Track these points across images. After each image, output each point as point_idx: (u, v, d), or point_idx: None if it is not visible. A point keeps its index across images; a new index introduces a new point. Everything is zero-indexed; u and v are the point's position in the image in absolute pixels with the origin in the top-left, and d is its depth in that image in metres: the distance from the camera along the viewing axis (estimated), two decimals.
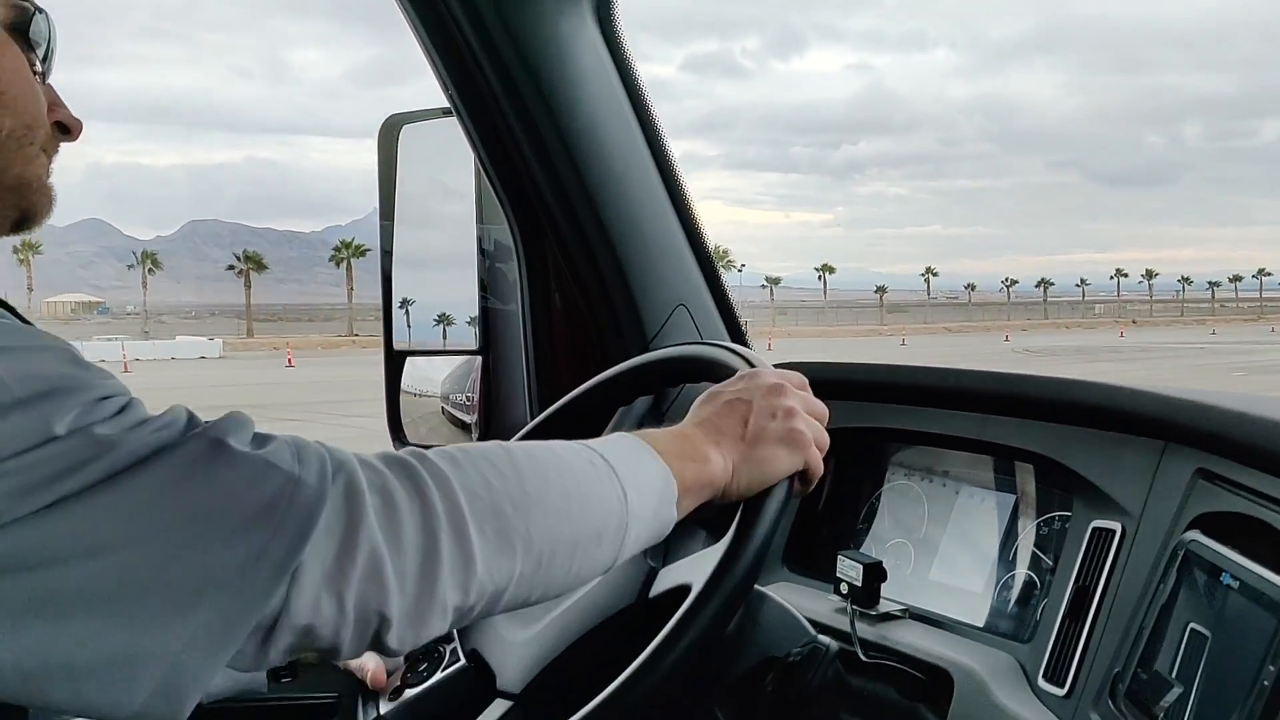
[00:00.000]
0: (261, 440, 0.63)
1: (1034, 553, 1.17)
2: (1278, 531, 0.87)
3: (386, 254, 1.69)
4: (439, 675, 1.11)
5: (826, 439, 0.91)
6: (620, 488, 0.77)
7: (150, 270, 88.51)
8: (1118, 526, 1.04)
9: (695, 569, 0.93)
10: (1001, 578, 1.20)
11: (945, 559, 1.26)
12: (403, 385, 1.71)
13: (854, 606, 1.17)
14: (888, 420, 1.35)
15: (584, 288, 1.53)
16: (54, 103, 0.77)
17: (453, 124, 1.51)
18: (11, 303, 0.71)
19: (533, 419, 1.22)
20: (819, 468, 0.91)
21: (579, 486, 0.75)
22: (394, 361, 1.71)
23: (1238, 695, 0.81)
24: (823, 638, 1.01)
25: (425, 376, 1.75)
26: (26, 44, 0.73)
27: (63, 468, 0.55)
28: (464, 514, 0.67)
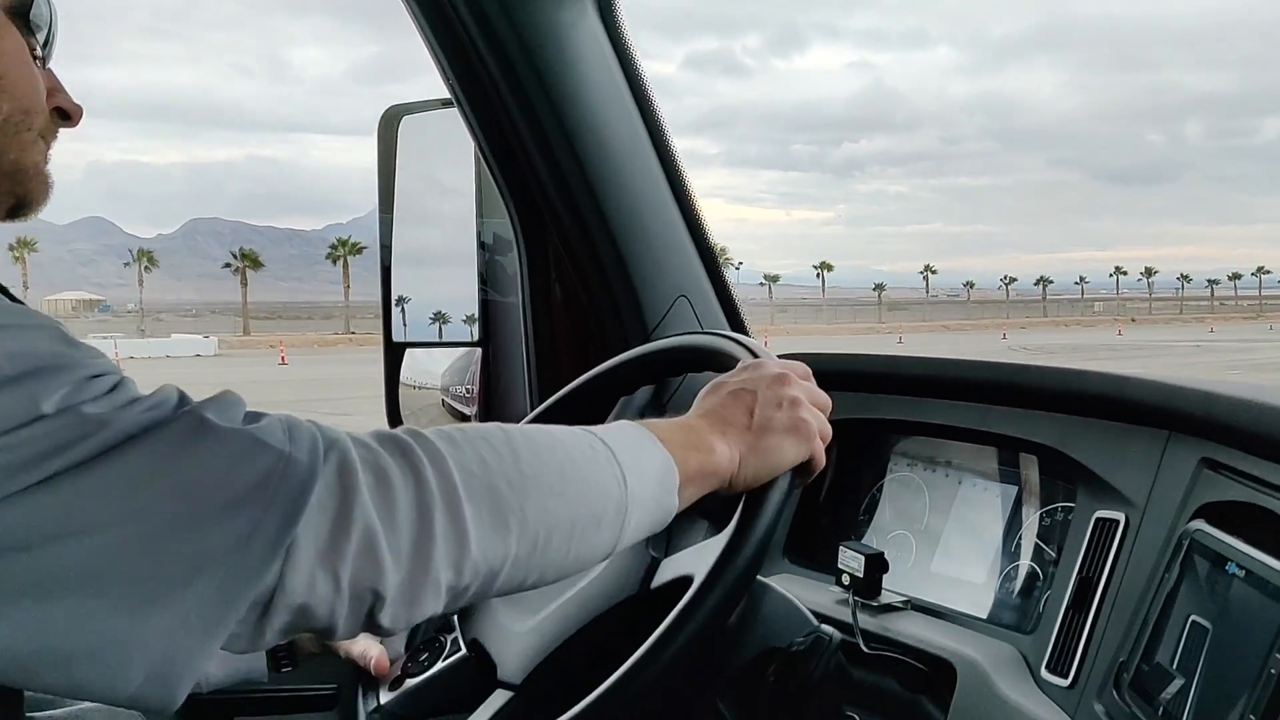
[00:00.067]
0: (253, 418, 0.62)
1: (1037, 544, 1.17)
2: None
3: (386, 246, 1.69)
4: (440, 665, 1.10)
5: (829, 430, 0.91)
6: (620, 472, 0.76)
7: (146, 268, 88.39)
8: (1121, 517, 1.03)
9: (697, 560, 0.92)
10: (1004, 569, 1.19)
11: (947, 550, 1.26)
12: (402, 377, 1.71)
13: (855, 598, 1.17)
14: (890, 411, 1.34)
15: (584, 279, 1.52)
16: (54, 88, 0.76)
17: (453, 115, 1.51)
18: None
19: (533, 410, 1.22)
20: (822, 459, 0.90)
21: (577, 468, 0.74)
22: (393, 353, 1.70)
23: (1243, 685, 0.80)
24: (825, 627, 1.01)
25: (424, 369, 1.75)
26: (27, 28, 0.73)
27: (51, 446, 0.55)
28: (458, 492, 0.66)
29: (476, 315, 1.66)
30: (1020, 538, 1.19)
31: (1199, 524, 0.94)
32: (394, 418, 1.71)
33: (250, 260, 77.26)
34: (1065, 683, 1.01)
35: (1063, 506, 1.15)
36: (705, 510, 1.01)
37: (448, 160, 1.65)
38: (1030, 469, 1.21)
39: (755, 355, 1.00)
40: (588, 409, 1.16)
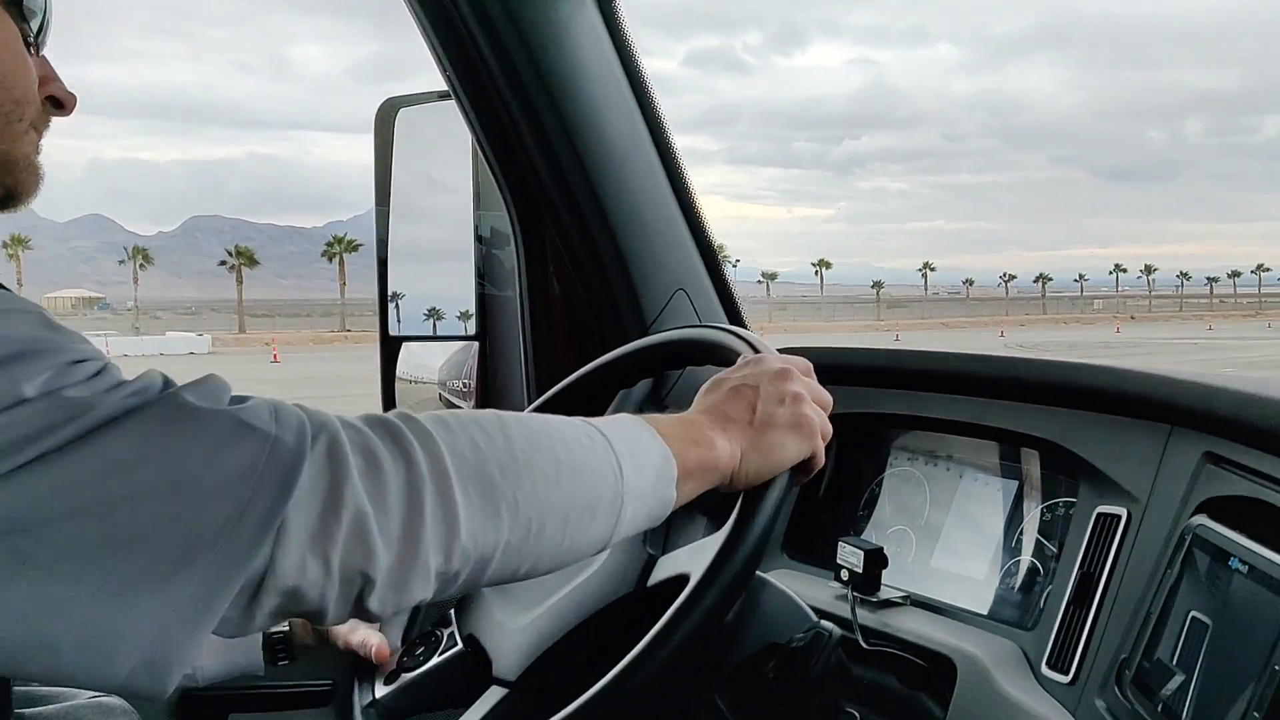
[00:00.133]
0: (238, 401, 0.62)
1: (1038, 539, 1.16)
2: None
3: (382, 239, 1.68)
4: (435, 659, 1.10)
5: (830, 429, 0.90)
6: (616, 461, 0.75)
7: (142, 265, 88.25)
8: (1123, 512, 1.03)
9: (694, 558, 0.92)
10: (1005, 564, 1.18)
11: (947, 545, 1.25)
12: (399, 372, 1.70)
13: (855, 593, 1.17)
14: (890, 405, 1.34)
15: (582, 272, 1.51)
16: (47, 76, 0.74)
17: (451, 107, 1.50)
18: None
19: (531, 404, 1.21)
20: (822, 457, 0.90)
21: (572, 456, 0.73)
22: (389, 347, 1.70)
23: (1244, 681, 0.80)
24: (825, 623, 1.00)
25: (421, 363, 1.74)
26: (20, 14, 0.71)
27: (34, 430, 0.54)
28: (449, 475, 0.66)
29: (471, 310, 1.66)
30: (1021, 533, 1.19)
31: (1201, 519, 0.93)
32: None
33: (245, 258, 77.17)
34: (1066, 679, 1.00)
35: (1064, 501, 1.15)
36: (704, 507, 1.00)
37: (445, 153, 1.64)
38: (1031, 464, 1.20)
39: (755, 349, 0.99)
40: (586, 402, 1.15)
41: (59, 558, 0.54)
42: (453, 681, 1.08)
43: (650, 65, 1.53)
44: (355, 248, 76.50)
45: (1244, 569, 0.85)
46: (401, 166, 1.66)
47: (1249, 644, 0.81)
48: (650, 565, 1.01)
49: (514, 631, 1.03)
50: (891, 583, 1.19)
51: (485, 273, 1.65)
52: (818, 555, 1.33)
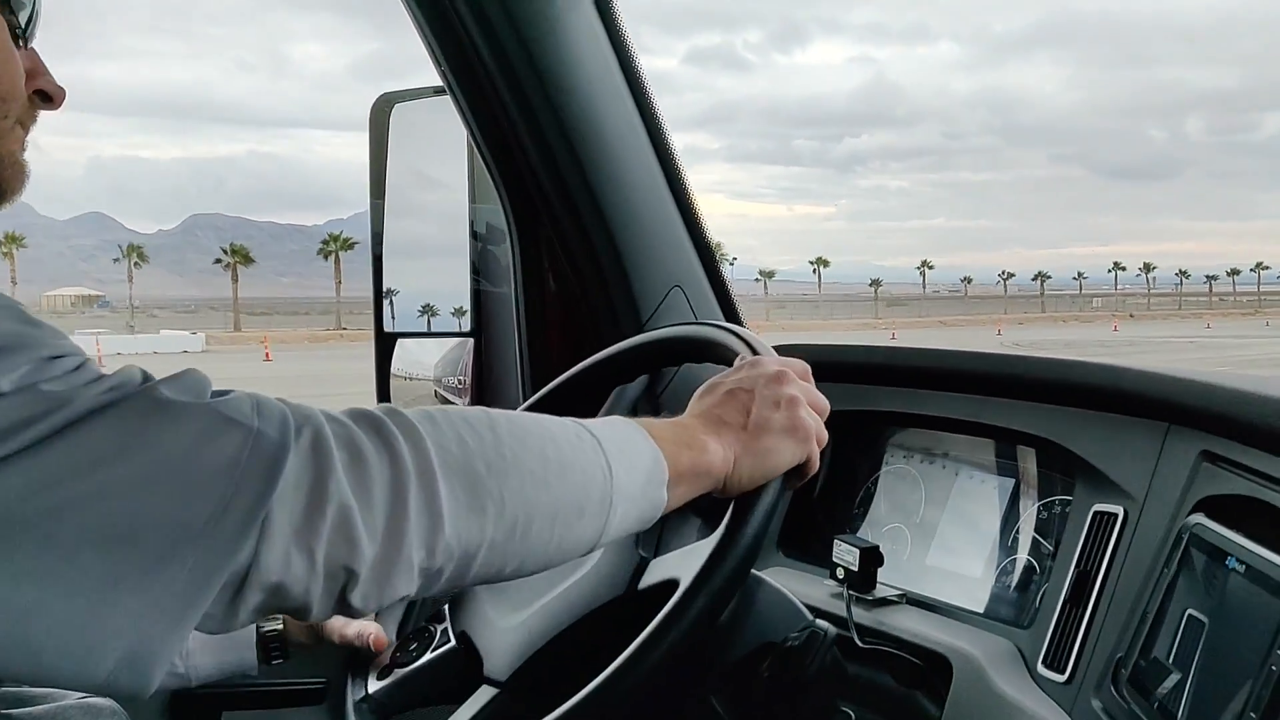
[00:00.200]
0: (219, 395, 0.61)
1: (1034, 537, 1.16)
2: None
3: (377, 235, 1.67)
4: (429, 655, 1.09)
5: (825, 434, 0.89)
6: (606, 462, 0.74)
7: (137, 263, 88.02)
8: (1120, 510, 1.02)
9: (685, 563, 0.91)
10: (1001, 562, 1.18)
11: (943, 543, 1.25)
12: (394, 368, 1.69)
13: (850, 591, 1.16)
14: (886, 403, 1.33)
15: (578, 268, 1.51)
16: (35, 69, 0.73)
17: (446, 103, 1.49)
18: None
19: (526, 401, 1.20)
20: (816, 462, 0.89)
21: (561, 455, 0.73)
22: (384, 344, 1.69)
23: (1241, 680, 0.79)
24: (820, 622, 0.99)
25: (416, 360, 1.73)
26: (6, 7, 0.70)
27: (9, 425, 0.53)
28: (434, 470, 0.65)
29: (466, 307, 1.65)
30: (1017, 531, 1.18)
31: (1198, 518, 0.93)
32: None
33: (241, 256, 77.05)
34: (1062, 678, 1.00)
35: (1060, 499, 1.14)
36: (698, 509, 1.00)
37: (440, 149, 1.64)
38: (1028, 461, 1.20)
39: (751, 346, 0.98)
40: (582, 399, 1.15)
41: (37, 555, 0.53)
42: (445, 678, 1.08)
43: (651, 63, 1.52)
44: (351, 245, 76.40)
45: (1241, 568, 0.85)
46: (396, 162, 1.65)
47: (1246, 643, 0.81)
48: (642, 568, 1.01)
49: (505, 631, 1.03)
50: (887, 581, 1.18)
51: (480, 269, 1.65)
52: (813, 553, 1.32)
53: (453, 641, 1.08)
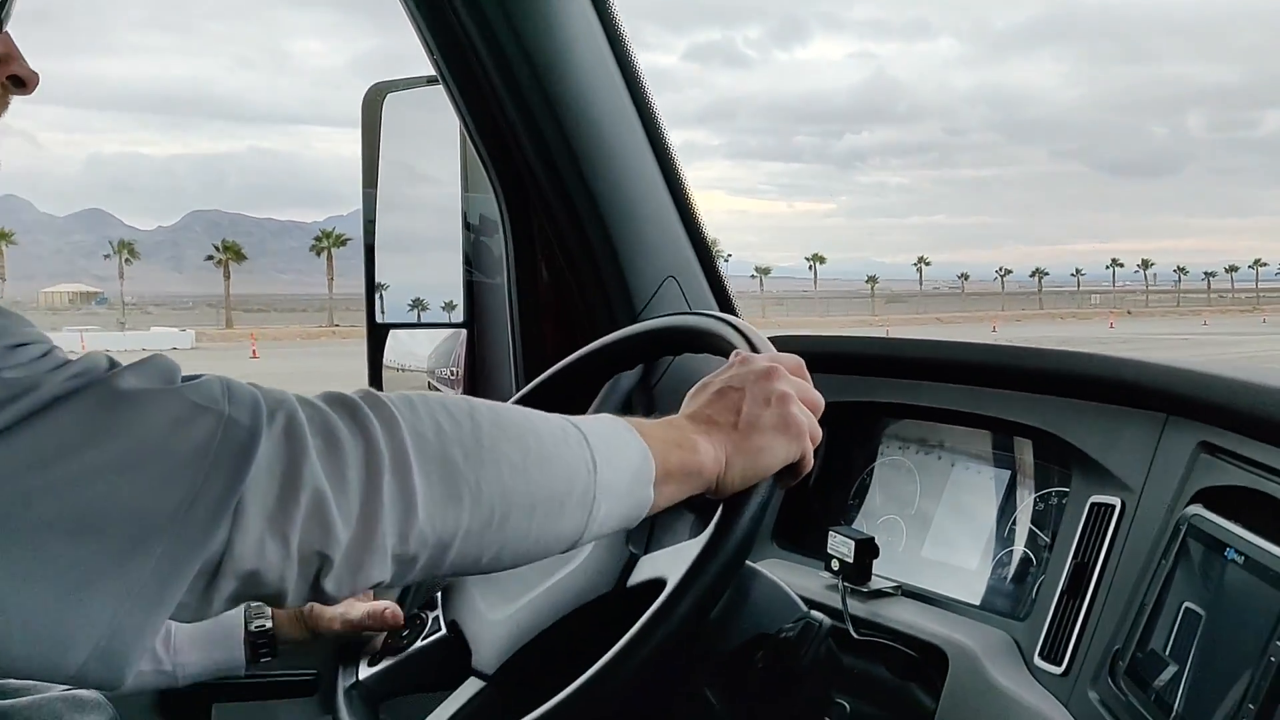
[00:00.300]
0: (189, 380, 0.60)
1: (1031, 529, 1.15)
2: None
3: (370, 224, 1.66)
4: (419, 643, 1.09)
5: (819, 431, 0.88)
6: (590, 456, 0.73)
7: (127, 260, 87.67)
8: (1117, 501, 1.01)
9: (673, 562, 0.90)
10: (997, 554, 1.17)
11: (939, 535, 1.24)
12: (387, 359, 1.69)
13: (845, 583, 1.15)
14: (882, 394, 1.32)
15: (571, 259, 1.50)
16: (8, 54, 0.71)
17: (439, 92, 1.48)
18: None
19: (519, 391, 1.20)
20: (810, 460, 0.87)
21: (542, 446, 0.71)
22: (376, 335, 1.68)
23: (1239, 672, 0.79)
24: (815, 613, 0.99)
25: (409, 351, 1.72)
26: None
27: None
28: (408, 456, 0.64)
29: (458, 300, 1.64)
30: (1014, 522, 1.17)
31: (1196, 509, 0.92)
32: None
33: (233, 252, 76.84)
34: (1059, 670, 0.99)
35: (1057, 491, 1.13)
36: (692, 506, 0.99)
37: (433, 139, 1.63)
38: (1024, 452, 1.19)
39: (745, 336, 0.97)
40: (575, 390, 1.14)
41: (3, 544, 0.52)
42: (434, 667, 1.07)
43: (651, 60, 1.52)
44: (343, 242, 76.24)
45: (1239, 559, 0.84)
46: (389, 152, 1.64)
47: (1243, 635, 0.80)
48: (631, 564, 1.00)
49: (494, 624, 1.02)
50: (882, 573, 1.17)
51: (473, 259, 1.64)
52: (808, 545, 1.31)
53: (444, 630, 1.08)
